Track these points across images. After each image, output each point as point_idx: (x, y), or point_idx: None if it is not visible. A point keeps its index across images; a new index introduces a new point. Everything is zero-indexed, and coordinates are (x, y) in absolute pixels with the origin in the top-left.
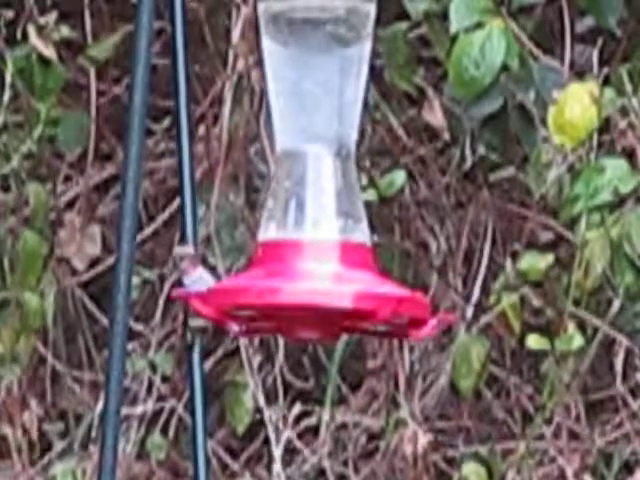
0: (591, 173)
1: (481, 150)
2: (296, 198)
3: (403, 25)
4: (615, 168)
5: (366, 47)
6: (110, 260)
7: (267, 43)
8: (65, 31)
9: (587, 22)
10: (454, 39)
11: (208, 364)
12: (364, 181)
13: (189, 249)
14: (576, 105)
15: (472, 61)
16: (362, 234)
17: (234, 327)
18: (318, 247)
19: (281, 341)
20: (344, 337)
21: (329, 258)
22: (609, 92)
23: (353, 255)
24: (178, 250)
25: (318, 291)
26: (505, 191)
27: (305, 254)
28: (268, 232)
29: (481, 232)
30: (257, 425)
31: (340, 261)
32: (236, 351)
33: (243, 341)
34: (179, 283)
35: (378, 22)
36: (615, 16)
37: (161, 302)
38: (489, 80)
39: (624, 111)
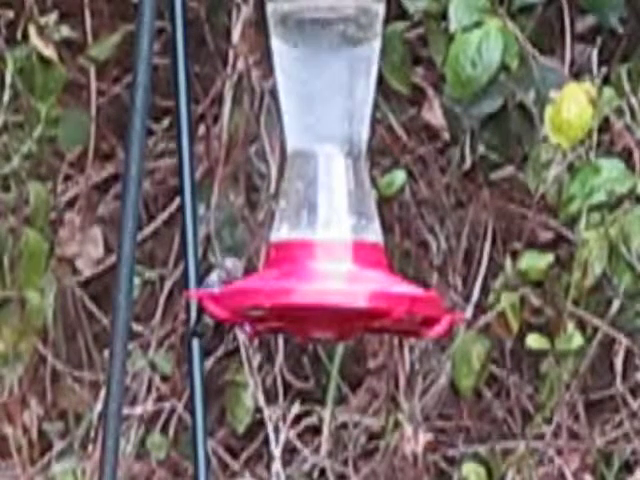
0: (587, 173)
1: (481, 150)
2: (308, 198)
3: (400, 25)
4: (611, 168)
5: (375, 46)
6: (110, 260)
7: (276, 44)
8: (65, 31)
9: (587, 21)
10: (451, 39)
11: (208, 364)
12: None
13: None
14: (573, 105)
15: (469, 60)
16: (374, 233)
17: (247, 327)
18: (331, 247)
19: (281, 341)
20: None
21: (342, 258)
22: (608, 92)
23: (366, 254)
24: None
25: (332, 291)
26: (505, 191)
27: (318, 254)
28: (280, 233)
29: (481, 232)
30: (257, 425)
31: (353, 261)
32: (236, 351)
33: (243, 341)
34: (183, 284)
35: None
36: (617, 14)
37: (161, 302)
38: (486, 79)
39: (622, 111)
